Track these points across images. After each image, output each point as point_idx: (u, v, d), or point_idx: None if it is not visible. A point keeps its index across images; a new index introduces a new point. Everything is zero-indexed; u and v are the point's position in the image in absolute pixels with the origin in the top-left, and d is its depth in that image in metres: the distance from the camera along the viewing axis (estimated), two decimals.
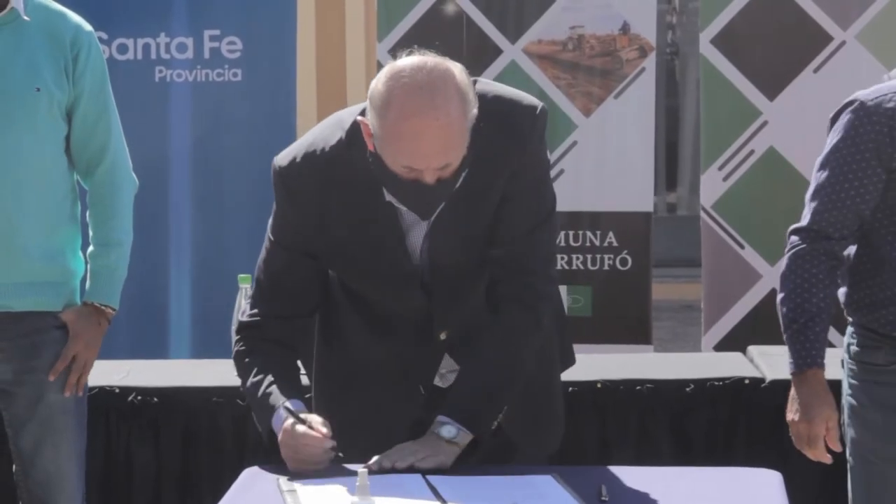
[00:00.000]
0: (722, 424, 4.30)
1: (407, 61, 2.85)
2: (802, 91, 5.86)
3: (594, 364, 4.44)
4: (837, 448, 3.29)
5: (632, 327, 6.05)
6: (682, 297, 9.92)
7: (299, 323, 3.15)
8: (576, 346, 3.47)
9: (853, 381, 3.35)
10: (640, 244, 6.08)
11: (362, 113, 2.93)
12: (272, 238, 3.11)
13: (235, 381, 4.31)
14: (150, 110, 5.91)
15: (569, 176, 5.97)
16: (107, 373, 4.28)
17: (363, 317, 3.18)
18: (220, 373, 4.44)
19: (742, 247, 5.93)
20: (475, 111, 2.88)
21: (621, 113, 6.03)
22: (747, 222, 5.93)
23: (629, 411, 4.32)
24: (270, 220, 3.12)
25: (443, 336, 3.14)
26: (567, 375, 3.42)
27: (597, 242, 6.05)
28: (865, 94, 3.27)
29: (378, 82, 2.86)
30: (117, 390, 4.31)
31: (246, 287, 4.24)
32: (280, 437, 2.95)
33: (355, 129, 2.95)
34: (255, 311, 3.14)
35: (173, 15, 5.97)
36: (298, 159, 3.03)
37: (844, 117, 3.27)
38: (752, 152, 5.92)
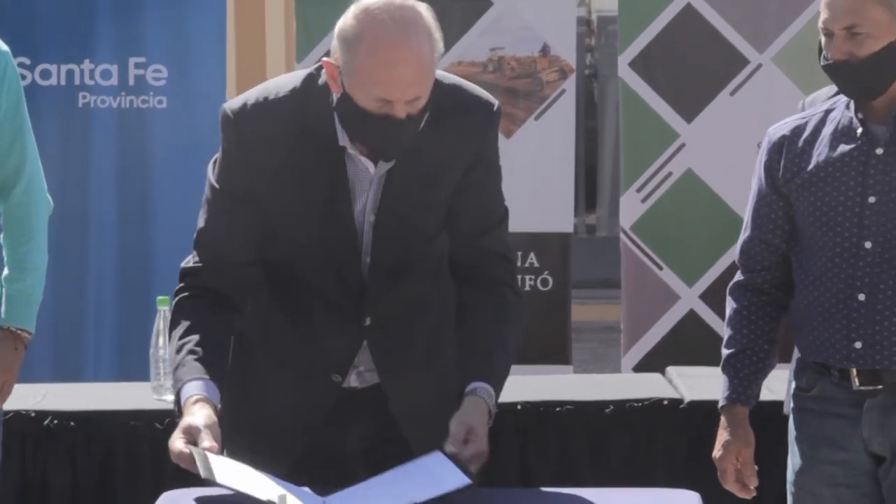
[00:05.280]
0: (641, 445, 4.33)
1: (374, 0, 2.89)
2: (719, 113, 5.90)
3: (514, 385, 4.40)
4: (752, 483, 3.29)
5: (552, 348, 6.05)
6: (601, 319, 9.94)
7: (240, 272, 3.09)
8: None
9: (792, 405, 3.34)
10: (560, 265, 6.10)
11: (327, 55, 2.96)
12: (216, 186, 3.08)
13: (154, 405, 4.30)
14: (72, 136, 5.88)
15: None
16: (23, 396, 4.22)
17: (287, 304, 3.13)
18: (138, 396, 4.40)
19: (660, 268, 5.96)
20: (441, 48, 2.92)
21: (542, 134, 6.05)
22: (666, 243, 5.96)
23: (549, 432, 4.33)
24: (214, 171, 3.08)
25: (367, 321, 3.10)
26: None
27: (518, 263, 6.06)
28: (774, 126, 3.31)
29: (346, 19, 2.89)
30: (33, 414, 4.26)
31: (165, 309, 4.21)
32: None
33: (311, 80, 2.98)
34: (197, 258, 3.12)
35: (98, 42, 5.94)
36: (249, 104, 3.03)
37: None
38: (669, 174, 5.95)
